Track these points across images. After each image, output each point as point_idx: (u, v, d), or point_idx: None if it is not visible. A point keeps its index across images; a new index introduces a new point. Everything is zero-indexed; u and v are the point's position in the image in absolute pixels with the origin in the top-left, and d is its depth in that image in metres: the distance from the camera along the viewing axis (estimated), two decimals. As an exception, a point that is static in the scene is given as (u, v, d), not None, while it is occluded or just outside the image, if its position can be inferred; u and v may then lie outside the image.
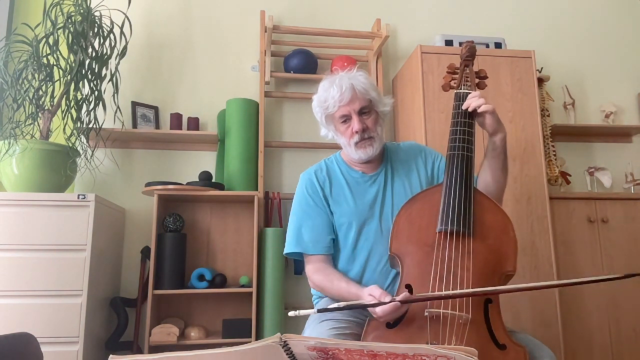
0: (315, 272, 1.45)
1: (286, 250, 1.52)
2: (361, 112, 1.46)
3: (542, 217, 2.48)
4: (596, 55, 3.33)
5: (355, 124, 1.45)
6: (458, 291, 1.30)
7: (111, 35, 2.46)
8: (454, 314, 1.18)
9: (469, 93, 1.45)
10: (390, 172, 1.55)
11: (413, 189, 1.50)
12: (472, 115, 1.42)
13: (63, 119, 2.32)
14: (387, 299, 1.16)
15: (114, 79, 2.42)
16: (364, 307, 1.28)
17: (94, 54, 2.41)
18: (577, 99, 3.20)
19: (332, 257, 1.50)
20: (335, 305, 1.19)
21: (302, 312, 1.11)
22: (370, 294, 1.22)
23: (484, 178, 1.48)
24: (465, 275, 1.23)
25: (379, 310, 1.16)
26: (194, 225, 2.69)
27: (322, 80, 1.52)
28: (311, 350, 0.81)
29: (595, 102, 3.25)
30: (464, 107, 1.41)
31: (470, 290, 1.24)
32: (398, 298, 1.16)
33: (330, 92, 1.45)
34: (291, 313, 1.10)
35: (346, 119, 1.47)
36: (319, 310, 1.14)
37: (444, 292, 1.30)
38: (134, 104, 2.74)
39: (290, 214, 1.56)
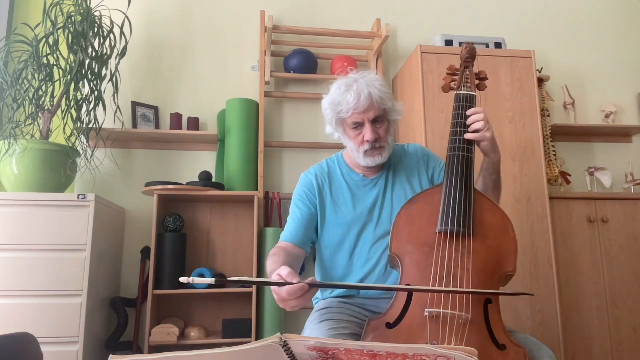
0: (270, 256, 1.38)
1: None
2: (375, 121, 1.43)
3: (542, 217, 2.48)
4: (596, 55, 3.33)
5: (369, 134, 1.42)
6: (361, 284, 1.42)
7: (111, 35, 2.46)
8: (454, 314, 1.17)
9: (470, 94, 1.45)
10: (392, 176, 1.54)
11: (414, 193, 1.49)
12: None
13: (63, 119, 2.32)
14: (295, 280, 1.07)
15: (114, 79, 2.42)
16: (268, 284, 1.17)
17: (94, 54, 2.41)
18: (577, 99, 3.20)
19: (332, 260, 1.50)
20: (236, 278, 1.07)
21: None
22: (278, 273, 1.11)
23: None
24: (465, 275, 1.23)
25: (285, 291, 1.06)
26: (194, 225, 2.69)
27: (337, 81, 1.47)
28: (311, 350, 0.81)
29: (595, 102, 3.25)
30: (469, 129, 1.38)
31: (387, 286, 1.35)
32: (307, 281, 1.08)
33: (346, 97, 1.40)
34: None
35: (358, 125, 1.44)
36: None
37: (370, 284, 1.41)
38: (134, 104, 2.74)
39: None
